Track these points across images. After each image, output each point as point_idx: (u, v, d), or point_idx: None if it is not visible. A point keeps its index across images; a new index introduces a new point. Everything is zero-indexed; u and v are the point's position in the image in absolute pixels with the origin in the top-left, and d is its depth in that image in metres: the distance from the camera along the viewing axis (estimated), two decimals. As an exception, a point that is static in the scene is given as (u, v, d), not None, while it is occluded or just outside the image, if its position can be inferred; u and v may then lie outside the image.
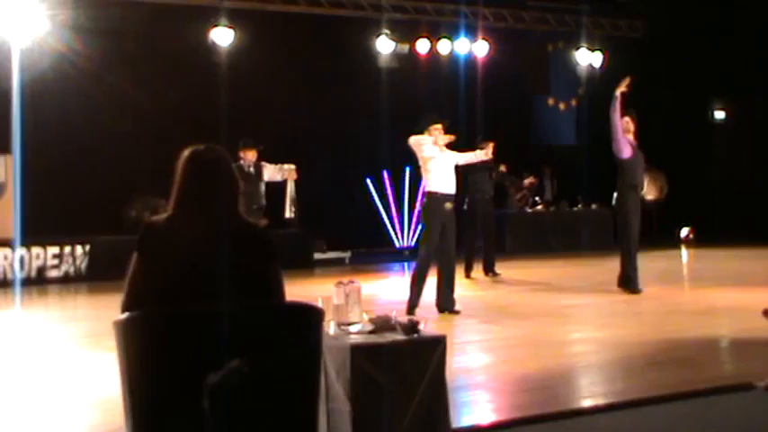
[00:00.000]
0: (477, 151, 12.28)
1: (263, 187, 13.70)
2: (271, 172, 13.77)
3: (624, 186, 12.61)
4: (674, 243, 21.04)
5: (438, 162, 11.19)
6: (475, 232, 15.62)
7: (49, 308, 13.69)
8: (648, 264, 12.67)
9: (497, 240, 20.44)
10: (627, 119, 12.72)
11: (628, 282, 12.54)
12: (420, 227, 11.49)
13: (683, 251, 20.38)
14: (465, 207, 15.19)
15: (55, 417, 6.77)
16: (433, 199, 11.18)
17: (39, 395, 7.44)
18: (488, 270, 15.72)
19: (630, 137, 12.68)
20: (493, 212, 16.15)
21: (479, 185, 15.47)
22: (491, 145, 12.91)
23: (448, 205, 11.18)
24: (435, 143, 11.17)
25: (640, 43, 22.03)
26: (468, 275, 15.27)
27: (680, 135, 21.59)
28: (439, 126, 11.29)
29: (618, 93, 12.65)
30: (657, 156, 21.63)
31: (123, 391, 4.10)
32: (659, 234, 20.82)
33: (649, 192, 21.95)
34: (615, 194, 12.77)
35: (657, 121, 20.59)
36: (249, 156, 13.57)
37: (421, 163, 11.32)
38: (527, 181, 21.28)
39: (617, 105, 12.58)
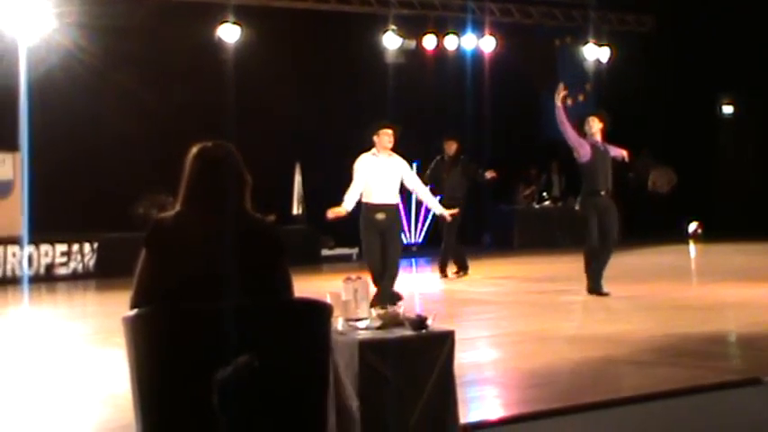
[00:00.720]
0: (438, 208, 12.13)
1: None
2: None
3: (584, 192, 12.32)
4: (681, 238, 21.01)
5: (373, 171, 10.92)
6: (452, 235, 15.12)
7: (57, 305, 13.72)
8: (656, 258, 12.66)
9: (506, 237, 20.54)
10: (590, 118, 12.39)
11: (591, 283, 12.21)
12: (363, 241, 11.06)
13: (691, 246, 20.36)
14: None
15: (65, 413, 6.79)
16: (366, 209, 10.94)
17: (49, 392, 7.46)
18: (443, 270, 15.25)
19: (596, 137, 12.25)
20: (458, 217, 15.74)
21: (451, 192, 14.99)
22: (451, 212, 12.42)
23: (380, 216, 10.87)
24: (377, 152, 10.97)
25: (648, 38, 21.98)
26: (444, 275, 15.08)
27: (687, 129, 21.57)
28: (389, 132, 11.02)
29: (558, 102, 12.24)
30: (665, 150, 21.68)
31: (133, 388, 4.12)
32: (667, 229, 20.79)
33: (660, 185, 21.98)
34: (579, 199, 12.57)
35: (665, 115, 20.61)
36: None
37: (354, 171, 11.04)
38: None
39: (560, 115, 12.15)
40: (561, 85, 12.57)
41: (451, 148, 15.21)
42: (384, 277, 10.76)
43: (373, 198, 10.91)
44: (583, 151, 12.19)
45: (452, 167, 15.11)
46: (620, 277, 12.72)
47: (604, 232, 12.19)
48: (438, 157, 15.24)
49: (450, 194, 14.84)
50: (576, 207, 12.57)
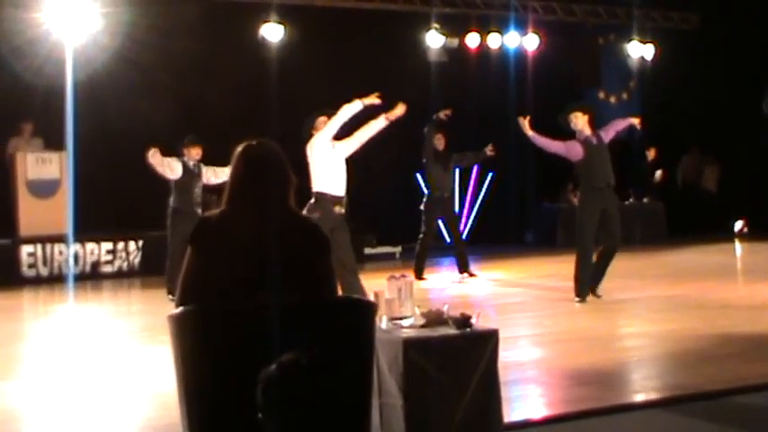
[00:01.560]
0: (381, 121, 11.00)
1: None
2: (209, 173, 13.18)
3: (583, 189, 12.00)
4: (727, 236, 20.82)
5: (328, 159, 10.33)
6: (430, 233, 14.76)
7: (103, 303, 13.85)
8: (702, 257, 12.56)
9: (549, 235, 20.44)
10: (572, 115, 11.92)
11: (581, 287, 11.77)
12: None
13: (737, 244, 20.17)
14: (422, 207, 14.56)
15: (112, 411, 6.85)
16: (323, 200, 10.20)
17: (95, 389, 7.53)
18: (463, 269, 14.65)
19: (585, 132, 11.82)
20: (454, 210, 15.31)
21: (439, 182, 14.56)
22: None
23: (338, 209, 10.28)
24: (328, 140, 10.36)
25: (693, 35, 21.81)
26: (419, 277, 14.25)
27: (734, 127, 21.36)
28: (323, 118, 10.52)
29: (527, 131, 12.09)
30: (712, 148, 21.51)
31: (178, 385, 4.15)
32: (713, 227, 20.61)
33: (709, 182, 21.82)
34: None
35: (710, 113, 20.43)
36: (193, 153, 13.29)
37: (310, 162, 10.39)
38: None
39: (536, 141, 12.06)
40: (521, 119, 12.27)
41: (441, 142, 14.79)
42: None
43: (332, 189, 10.30)
44: (573, 152, 11.83)
45: (442, 161, 14.70)
46: (666, 276, 12.64)
47: (610, 231, 11.89)
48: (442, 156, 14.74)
49: (441, 188, 14.59)
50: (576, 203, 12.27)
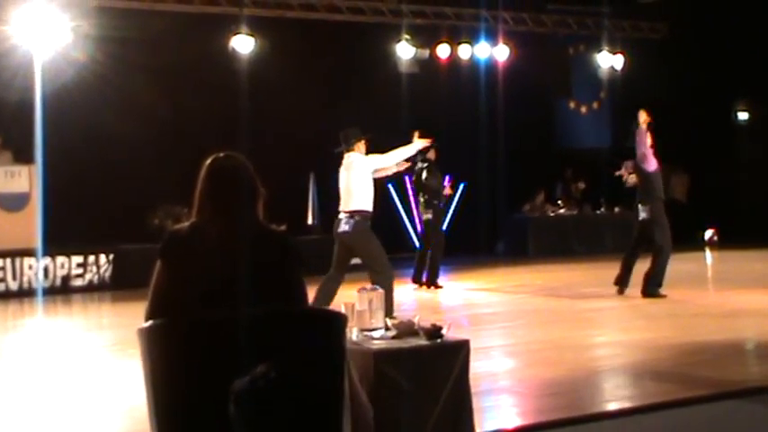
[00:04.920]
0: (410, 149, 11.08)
1: None
2: None
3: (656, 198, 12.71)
4: (698, 245, 20.95)
5: (368, 180, 10.51)
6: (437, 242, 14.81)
7: (73, 316, 13.76)
8: (673, 266, 12.60)
9: (520, 245, 20.49)
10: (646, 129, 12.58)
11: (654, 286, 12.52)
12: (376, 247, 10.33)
13: (708, 253, 20.29)
14: (431, 217, 14.67)
15: (83, 425, 6.80)
16: (368, 219, 10.45)
17: (66, 403, 7.47)
18: (431, 282, 14.66)
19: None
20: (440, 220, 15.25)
21: (436, 193, 14.70)
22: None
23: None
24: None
25: (662, 45, 21.96)
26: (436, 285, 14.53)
27: (703, 136, 21.50)
28: (362, 143, 10.62)
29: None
30: (681, 157, 21.62)
31: (148, 399, 4.12)
32: (683, 236, 20.71)
33: (677, 192, 21.92)
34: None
35: (680, 122, 20.54)
36: None
37: (364, 179, 10.48)
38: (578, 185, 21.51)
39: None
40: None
41: (433, 153, 14.69)
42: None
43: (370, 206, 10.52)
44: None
45: (436, 171, 14.81)
46: (637, 285, 12.68)
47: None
48: (426, 164, 14.67)
49: (434, 198, 14.67)
50: (645, 215, 12.62)
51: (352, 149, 10.61)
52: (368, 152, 10.68)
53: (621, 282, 12.86)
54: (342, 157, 10.72)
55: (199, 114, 16.75)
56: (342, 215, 10.43)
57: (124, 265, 15.52)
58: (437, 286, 14.50)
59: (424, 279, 14.67)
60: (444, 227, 15.44)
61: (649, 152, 12.47)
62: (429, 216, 14.75)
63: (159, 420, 4.07)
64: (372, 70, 19.03)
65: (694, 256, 19.07)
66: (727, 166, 22.33)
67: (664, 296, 12.40)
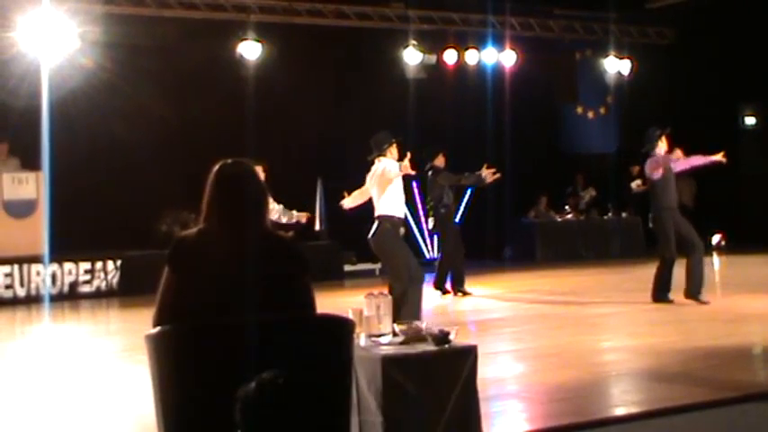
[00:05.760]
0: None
1: None
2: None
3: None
4: (705, 250, 20.88)
5: (397, 183, 10.61)
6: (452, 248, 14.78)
7: (81, 323, 13.77)
8: (679, 271, 12.58)
9: (528, 250, 20.47)
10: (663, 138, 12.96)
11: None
12: (397, 252, 10.53)
13: (715, 258, 20.24)
14: (439, 224, 14.59)
15: (90, 431, 6.81)
16: (395, 224, 10.55)
17: (74, 410, 7.48)
18: (440, 286, 14.71)
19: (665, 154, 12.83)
20: (452, 226, 15.02)
21: (443, 200, 14.49)
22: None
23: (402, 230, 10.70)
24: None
25: (669, 50, 21.94)
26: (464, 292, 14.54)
27: (710, 141, 21.40)
28: (441, 156, 10.86)
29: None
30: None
31: (156, 405, 4.13)
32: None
33: (685, 197, 21.90)
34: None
35: (687, 127, 20.51)
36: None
37: (384, 184, 10.53)
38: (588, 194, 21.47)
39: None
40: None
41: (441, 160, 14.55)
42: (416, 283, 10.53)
43: (400, 211, 10.68)
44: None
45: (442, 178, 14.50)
46: (644, 290, 12.68)
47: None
48: (430, 171, 14.40)
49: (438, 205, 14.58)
50: (651, 224, 12.93)
51: (384, 155, 10.65)
52: (400, 155, 10.68)
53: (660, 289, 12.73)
54: (372, 163, 10.75)
55: (206, 120, 16.77)
56: (374, 220, 10.59)
57: (132, 271, 15.54)
58: (464, 293, 14.44)
59: (448, 285, 14.64)
60: (450, 234, 15.16)
61: (662, 160, 12.54)
62: (431, 224, 14.70)
63: (167, 426, 4.08)
64: (379, 76, 19.04)
65: (702, 261, 19.00)
66: (733, 171, 22.28)
67: (671, 301, 12.40)
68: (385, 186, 10.51)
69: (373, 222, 10.58)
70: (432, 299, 14.24)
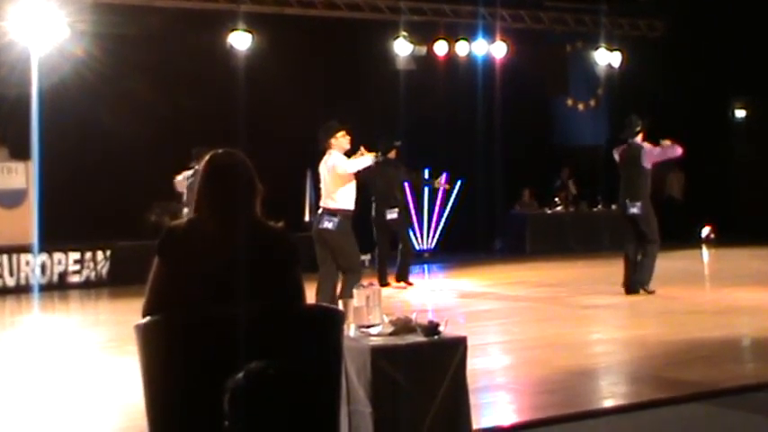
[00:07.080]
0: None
1: None
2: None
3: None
4: (694, 242, 20.96)
5: (348, 180, 10.72)
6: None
7: (70, 313, 13.76)
8: (669, 263, 12.64)
9: (518, 242, 20.50)
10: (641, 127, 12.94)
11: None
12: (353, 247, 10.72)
13: (704, 250, 20.31)
14: (396, 217, 14.45)
15: (79, 421, 6.81)
16: (350, 218, 10.70)
17: (62, 400, 7.48)
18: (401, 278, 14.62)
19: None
20: (402, 218, 14.89)
21: (387, 193, 14.47)
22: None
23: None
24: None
25: (659, 42, 21.94)
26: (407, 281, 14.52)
27: (700, 134, 21.50)
28: (343, 131, 10.76)
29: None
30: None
31: (145, 395, 4.13)
32: (679, 234, 20.73)
33: (674, 189, 21.94)
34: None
35: (677, 119, 20.56)
36: None
37: (336, 179, 10.63)
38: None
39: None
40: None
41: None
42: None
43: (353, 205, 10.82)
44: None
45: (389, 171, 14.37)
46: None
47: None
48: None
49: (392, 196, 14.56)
50: (636, 211, 12.72)
51: (330, 145, 10.70)
52: (352, 142, 10.79)
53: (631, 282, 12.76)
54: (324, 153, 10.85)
55: (196, 111, 16.73)
56: (323, 212, 10.63)
57: (121, 261, 15.51)
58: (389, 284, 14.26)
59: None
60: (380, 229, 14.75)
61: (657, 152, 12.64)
62: (372, 215, 14.60)
63: (156, 416, 4.08)
64: (370, 67, 19.01)
65: (690, 253, 19.09)
66: (723, 163, 22.35)
67: (652, 292, 12.43)
68: (344, 181, 10.63)
69: (320, 212, 10.71)
70: (420, 291, 14.27)
